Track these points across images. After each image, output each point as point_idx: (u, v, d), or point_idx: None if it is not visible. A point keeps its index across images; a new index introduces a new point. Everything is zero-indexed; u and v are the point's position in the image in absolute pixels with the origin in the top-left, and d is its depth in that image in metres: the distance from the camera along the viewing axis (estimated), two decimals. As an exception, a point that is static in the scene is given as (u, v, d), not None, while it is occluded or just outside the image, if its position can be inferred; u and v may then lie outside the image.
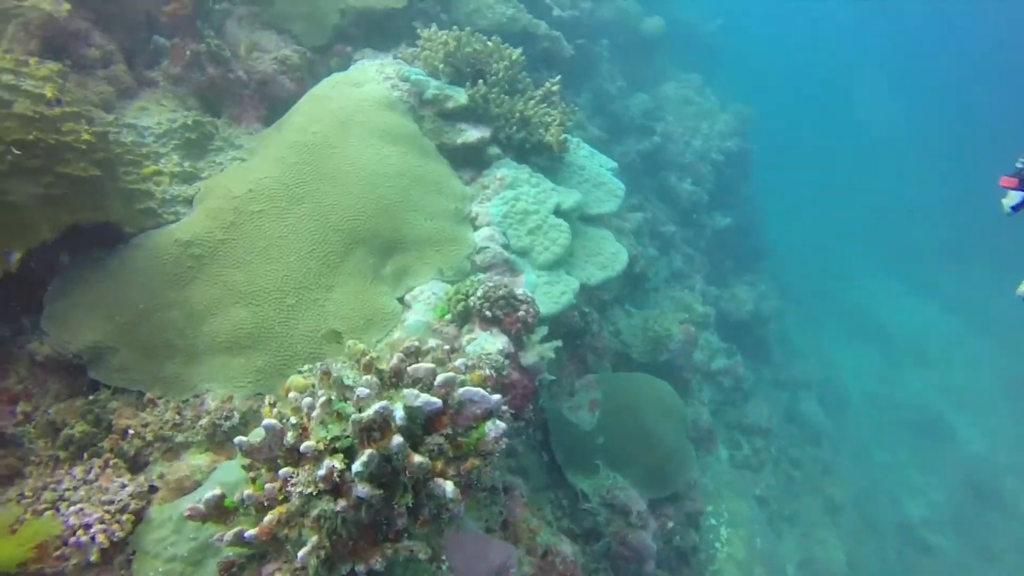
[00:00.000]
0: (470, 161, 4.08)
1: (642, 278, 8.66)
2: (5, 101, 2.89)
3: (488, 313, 3.03)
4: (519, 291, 3.15)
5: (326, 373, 2.05)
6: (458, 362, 2.24)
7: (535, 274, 3.67)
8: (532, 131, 4.13)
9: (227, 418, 2.62)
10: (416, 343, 2.20)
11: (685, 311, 9.13)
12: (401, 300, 3.44)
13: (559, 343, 3.19)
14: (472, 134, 3.97)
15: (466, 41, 4.14)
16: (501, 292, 3.04)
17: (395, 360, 2.05)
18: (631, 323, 7.43)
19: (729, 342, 9.70)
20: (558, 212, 3.96)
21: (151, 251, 3.30)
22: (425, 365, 2.04)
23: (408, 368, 2.03)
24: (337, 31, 5.27)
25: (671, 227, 10.05)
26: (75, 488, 2.56)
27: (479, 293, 3.07)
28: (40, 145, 2.92)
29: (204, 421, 2.65)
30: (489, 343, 2.98)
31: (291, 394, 2.05)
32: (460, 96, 4.01)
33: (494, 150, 4.08)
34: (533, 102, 4.20)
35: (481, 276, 3.55)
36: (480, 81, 4.07)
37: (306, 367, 2.44)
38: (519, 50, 4.38)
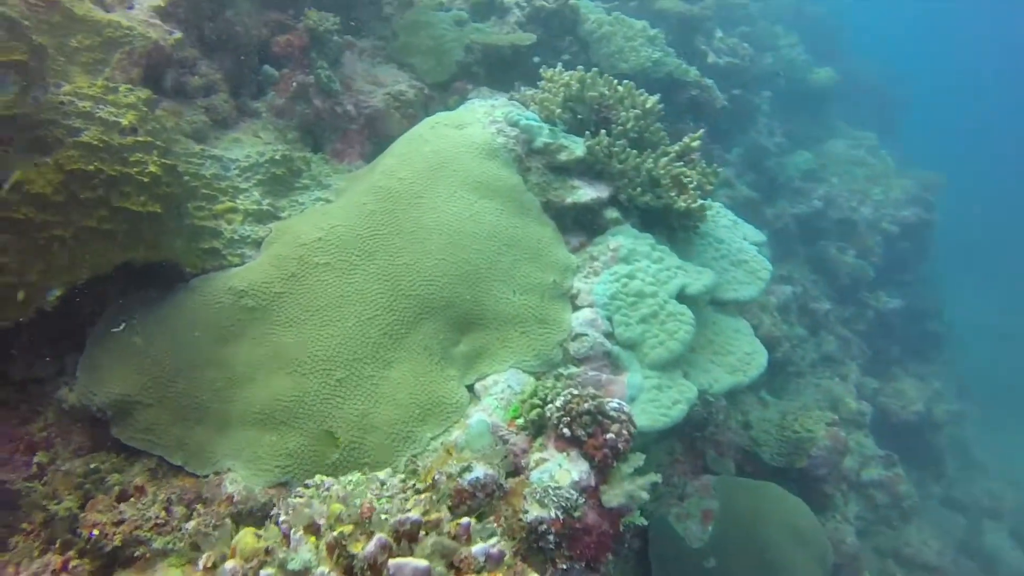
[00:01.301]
0: (582, 224, 3.41)
1: (785, 362, 7.45)
2: (75, 129, 2.67)
3: (566, 431, 2.31)
4: (612, 404, 2.39)
5: (284, 537, 1.45)
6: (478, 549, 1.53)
7: (642, 374, 2.89)
8: (661, 193, 3.39)
9: (216, 526, 2.11)
10: (413, 517, 1.53)
11: (834, 406, 7.75)
12: (471, 388, 2.81)
13: (658, 478, 2.38)
14: (586, 193, 3.30)
15: (591, 84, 3.51)
16: (587, 405, 2.31)
17: (373, 546, 1.39)
18: (765, 416, 6.29)
19: (888, 448, 8.07)
20: (682, 297, 3.17)
21: (203, 297, 2.94)
22: (414, 564, 1.37)
23: (390, 564, 1.38)
24: (461, 68, 4.89)
25: (825, 304, 8.67)
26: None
27: (558, 403, 2.37)
28: (100, 176, 2.66)
29: (191, 525, 2.15)
30: (562, 470, 2.25)
31: (229, 565, 1.47)
32: (576, 147, 3.38)
33: (612, 213, 3.38)
34: (666, 159, 3.46)
35: (572, 370, 2.84)
36: (603, 131, 3.41)
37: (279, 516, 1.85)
38: (655, 97, 3.68)
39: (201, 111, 3.57)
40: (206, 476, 2.60)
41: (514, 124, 3.37)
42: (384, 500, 1.80)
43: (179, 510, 2.22)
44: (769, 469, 5.72)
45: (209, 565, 1.59)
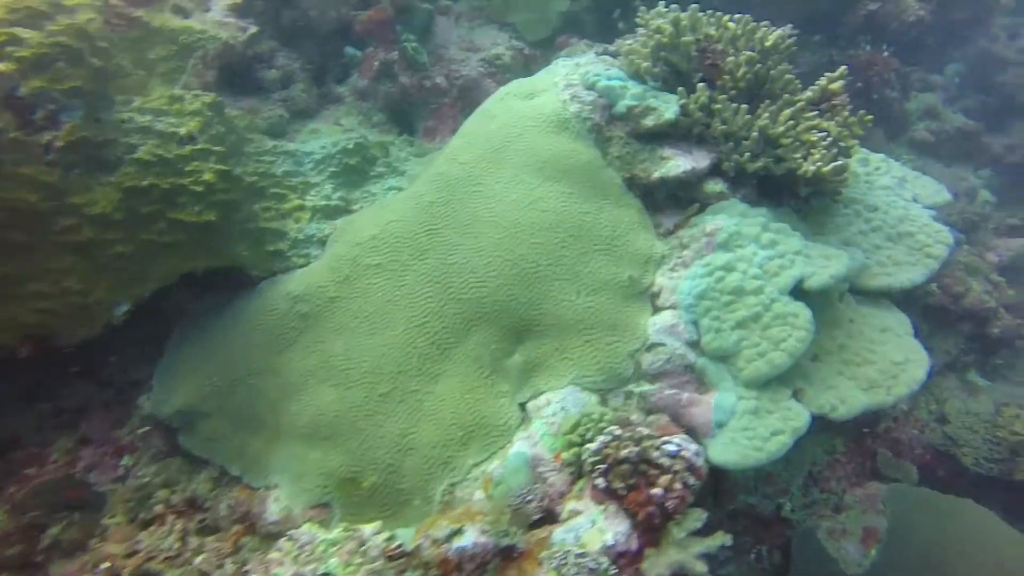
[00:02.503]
0: (680, 201, 2.80)
1: (1012, 337, 5.91)
2: (132, 145, 2.71)
3: (601, 481, 1.86)
4: (667, 448, 1.88)
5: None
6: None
7: (736, 393, 2.30)
8: (782, 156, 2.66)
9: (219, 566, 2.03)
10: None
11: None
12: (523, 406, 2.44)
13: (727, 540, 1.84)
14: (678, 164, 2.68)
15: (688, 25, 2.82)
16: (627, 452, 1.83)
17: None
18: (971, 408, 5.06)
19: None
20: (799, 291, 2.46)
21: (264, 302, 2.90)
22: None
23: None
24: (565, 19, 4.33)
25: (1083, 261, 6.70)
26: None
27: (594, 446, 1.91)
28: (154, 190, 2.69)
29: (200, 560, 2.10)
30: (593, 529, 1.82)
31: None
32: (667, 108, 2.74)
33: (715, 186, 2.72)
34: (790, 111, 2.70)
35: (646, 388, 2.33)
36: (701, 85, 2.74)
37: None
38: (780, 31, 2.87)
39: (279, 104, 3.52)
40: (258, 488, 2.59)
41: (591, 87, 2.82)
42: (351, 569, 1.55)
43: (193, 540, 2.20)
44: (970, 478, 4.59)
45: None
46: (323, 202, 3.24)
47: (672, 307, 2.45)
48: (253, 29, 3.47)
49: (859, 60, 4.93)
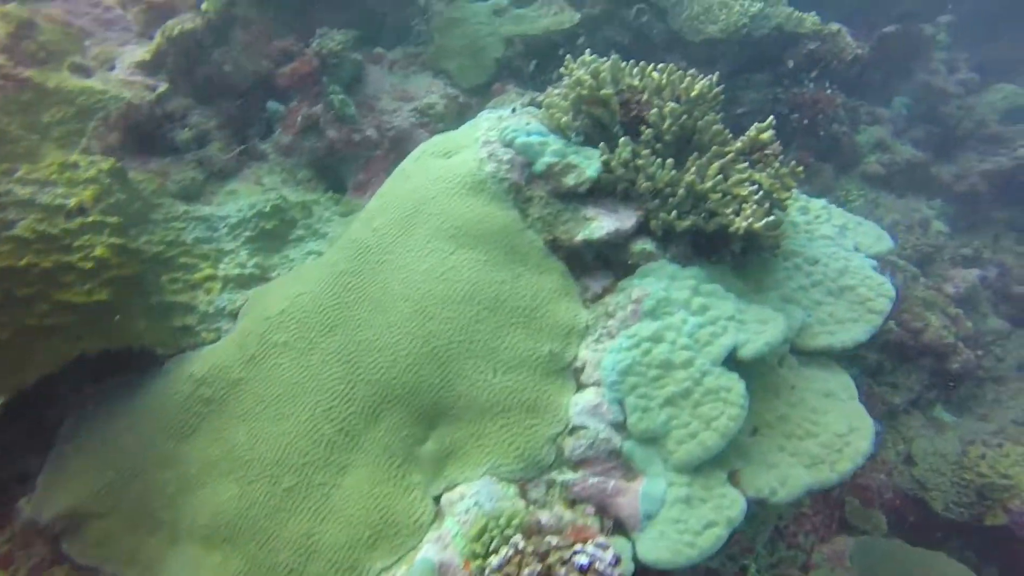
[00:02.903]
0: (608, 261, 2.64)
1: (971, 371, 5.83)
2: (8, 222, 2.49)
3: (504, 605, 1.66)
4: (577, 562, 1.68)
5: None
6: None
7: (665, 479, 2.11)
8: (714, 211, 2.52)
9: None
10: None
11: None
12: (438, 499, 2.22)
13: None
14: (601, 225, 2.52)
15: (609, 75, 2.69)
16: (528, 571, 1.62)
17: None
18: (938, 447, 4.95)
19: None
20: (732, 361, 2.30)
21: (166, 385, 2.66)
22: None
23: None
24: (501, 65, 4.22)
25: (1036, 287, 6.70)
26: None
27: (494, 561, 1.70)
28: (33, 271, 2.46)
29: None
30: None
31: None
32: (588, 165, 2.59)
33: (642, 245, 2.56)
34: (718, 164, 2.57)
35: (568, 476, 2.13)
36: (623, 139, 2.60)
37: None
38: (707, 80, 2.76)
39: (193, 165, 3.32)
40: (151, 601, 2.33)
41: (509, 144, 2.67)
42: None
43: None
44: (940, 523, 4.44)
45: None
46: (237, 270, 3.03)
47: (596, 384, 2.26)
48: (163, 87, 3.29)
49: (803, 98, 4.89)
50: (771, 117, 2.74)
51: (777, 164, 2.70)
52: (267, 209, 3.20)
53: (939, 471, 4.77)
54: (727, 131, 2.79)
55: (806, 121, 4.90)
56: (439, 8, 4.55)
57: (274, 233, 3.21)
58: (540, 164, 2.62)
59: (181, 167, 3.28)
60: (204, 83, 3.48)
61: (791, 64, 4.73)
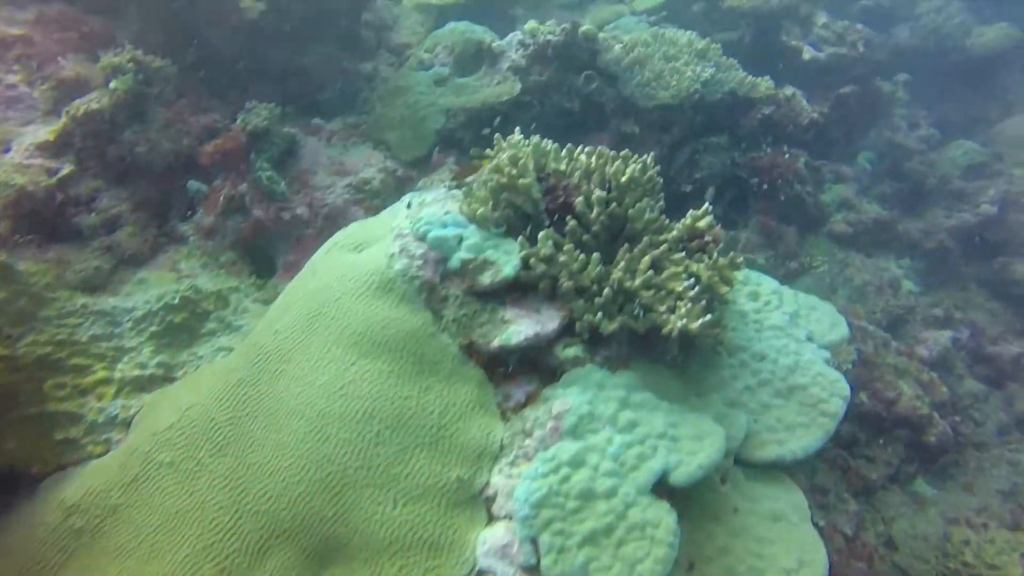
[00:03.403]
0: (535, 364, 2.39)
1: (944, 443, 5.59)
2: None
3: None
4: None
5: None
6: None
7: (586, 634, 1.82)
8: (643, 312, 2.30)
9: None
10: None
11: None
12: (329, 657, 1.92)
13: None
14: (520, 329, 2.29)
15: (531, 160, 2.50)
16: None
17: None
18: (919, 528, 4.68)
19: None
20: (663, 487, 2.05)
21: (34, 513, 2.36)
22: None
23: None
24: (441, 137, 4.05)
25: (1013, 346, 6.53)
26: None
27: None
28: None
29: None
30: None
31: None
32: (506, 262, 2.38)
33: (569, 350, 2.33)
34: (649, 257, 2.36)
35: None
36: (544, 232, 2.39)
37: None
38: (639, 163, 2.58)
39: (98, 253, 3.08)
40: None
41: (422, 238, 2.46)
42: None
43: None
44: (923, 617, 4.13)
45: None
46: (136, 372, 2.76)
47: (508, 517, 2.00)
48: (66, 170, 3.07)
49: (761, 162, 4.76)
50: (706, 204, 2.55)
51: (716, 254, 2.49)
52: (175, 301, 2.94)
53: (922, 558, 4.48)
54: (663, 218, 2.59)
55: (765, 186, 4.76)
56: (385, 75, 4.42)
57: (183, 327, 2.95)
58: (455, 260, 2.40)
59: (85, 255, 3.04)
60: (117, 163, 3.27)
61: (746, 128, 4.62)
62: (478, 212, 2.47)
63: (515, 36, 4.46)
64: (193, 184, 3.48)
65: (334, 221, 3.72)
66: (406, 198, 2.88)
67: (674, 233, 2.53)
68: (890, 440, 4.96)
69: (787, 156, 4.74)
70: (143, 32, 3.70)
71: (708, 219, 2.53)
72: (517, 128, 2.91)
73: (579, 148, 2.65)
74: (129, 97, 3.13)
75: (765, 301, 2.91)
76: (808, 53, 6.01)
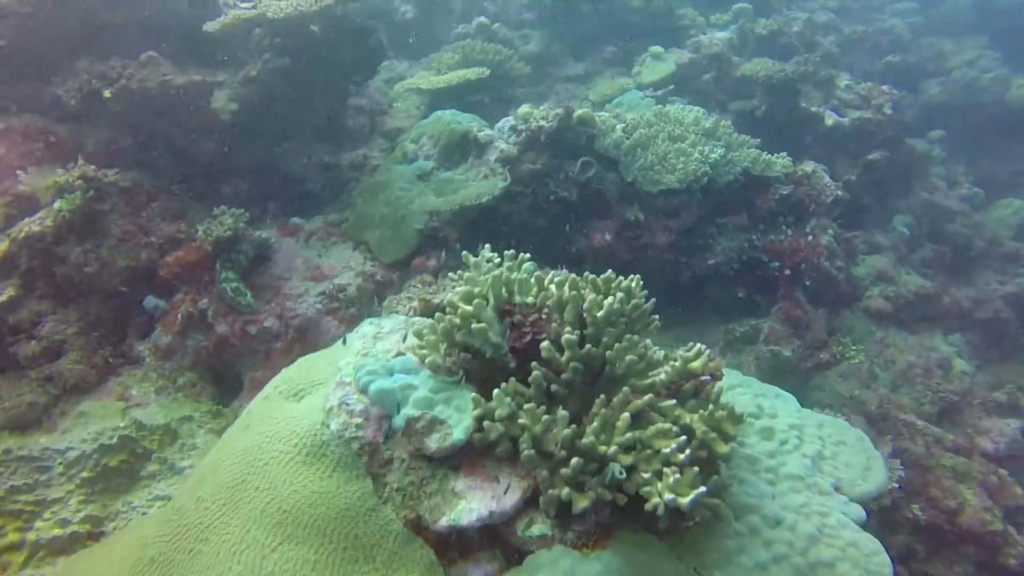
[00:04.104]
0: (497, 537, 1.99)
1: None
2: None
3: None
4: None
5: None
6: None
7: None
8: (624, 480, 1.89)
9: None
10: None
11: None
12: None
13: None
14: (472, 507, 1.89)
15: (489, 296, 2.16)
16: None
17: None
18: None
19: None
20: None
21: None
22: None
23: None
24: (424, 237, 3.76)
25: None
26: None
27: None
28: None
29: None
30: None
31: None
32: (457, 422, 2.01)
33: (533, 529, 1.93)
34: (628, 415, 1.97)
35: None
36: (505, 384, 2.02)
37: None
38: (621, 292, 2.20)
39: (33, 386, 2.82)
40: None
41: (364, 390, 2.11)
42: None
43: None
44: None
45: None
46: (56, 531, 2.44)
47: None
48: (5, 295, 2.85)
49: (781, 246, 4.34)
50: (699, 345, 2.14)
51: (712, 404, 2.08)
52: (113, 441, 2.65)
53: None
54: (651, 353, 2.20)
55: (787, 271, 4.33)
56: (377, 163, 4.19)
57: (120, 470, 2.65)
58: (400, 419, 2.04)
59: (18, 389, 2.78)
60: (66, 284, 3.05)
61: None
62: (427, 359, 2.12)
63: (508, 121, 4.20)
64: (151, 300, 3.23)
65: (305, 333, 3.43)
66: (361, 327, 2.55)
67: (662, 376, 2.12)
68: (955, 556, 4.32)
69: (810, 238, 4.31)
70: (112, 138, 3.55)
71: (703, 359, 2.12)
72: (486, 246, 2.58)
73: (549, 276, 2.29)
74: (77, 216, 2.93)
75: (781, 440, 2.46)
76: (830, 119, 5.62)
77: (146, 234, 3.27)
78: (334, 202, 4.25)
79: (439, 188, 3.71)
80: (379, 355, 2.23)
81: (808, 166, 4.42)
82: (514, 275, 2.24)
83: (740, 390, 2.83)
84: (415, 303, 2.75)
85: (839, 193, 4.36)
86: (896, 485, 3.79)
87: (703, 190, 4.23)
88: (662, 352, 2.33)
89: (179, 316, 3.13)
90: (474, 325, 2.04)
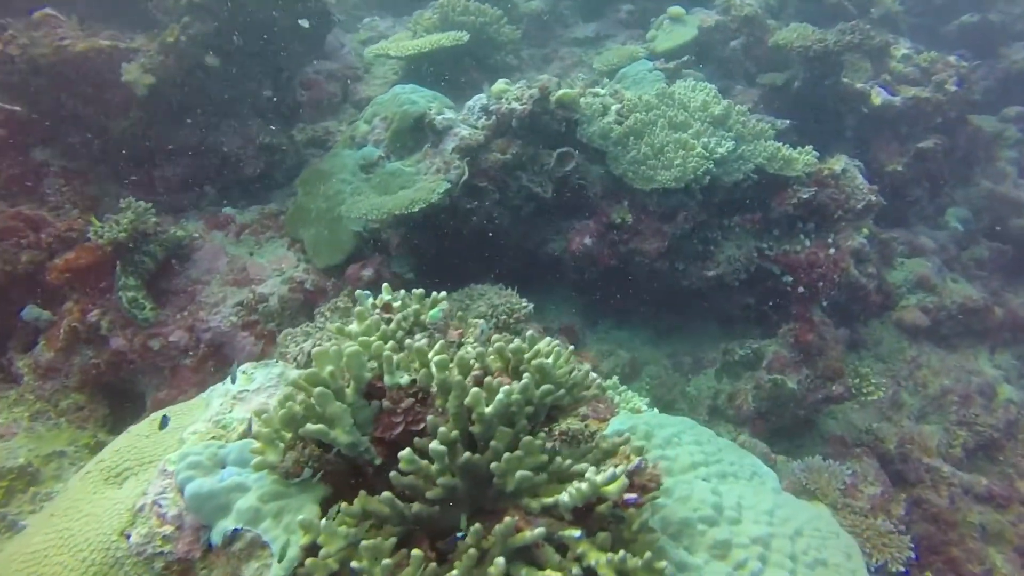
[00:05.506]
0: None
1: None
2: None
3: None
4: None
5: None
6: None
7: None
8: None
9: None
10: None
11: None
12: None
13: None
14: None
15: (349, 376, 1.65)
16: None
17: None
18: None
19: None
20: None
21: None
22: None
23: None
24: (363, 240, 3.23)
25: None
26: None
27: None
28: None
29: None
30: None
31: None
32: (282, 550, 1.53)
33: None
34: (501, 562, 1.46)
35: None
36: (340, 510, 1.54)
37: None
38: (535, 368, 1.67)
39: None
40: None
41: (181, 489, 1.65)
42: None
43: None
44: None
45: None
46: None
47: None
48: None
49: (796, 259, 3.67)
50: (613, 470, 1.59)
51: (632, 539, 1.55)
52: (-45, 488, 2.27)
53: None
54: (561, 461, 1.67)
55: (801, 289, 3.67)
56: (313, 152, 3.66)
57: (-37, 523, 2.28)
58: (216, 533, 1.58)
59: None
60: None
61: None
62: (258, 459, 1.63)
63: (479, 100, 3.57)
64: (32, 311, 2.82)
65: (218, 349, 2.99)
66: (225, 382, 2.07)
67: (566, 499, 1.59)
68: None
69: (832, 251, 3.62)
70: (10, 113, 3.10)
71: (619, 483, 1.57)
72: (385, 284, 2.05)
73: (434, 347, 1.76)
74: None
75: (737, 563, 1.91)
76: (878, 97, 4.77)
77: (33, 228, 2.83)
78: (285, 188, 3.74)
79: (383, 183, 3.15)
80: (219, 436, 1.76)
81: (838, 164, 3.68)
82: (384, 347, 1.71)
83: (702, 471, 2.28)
84: (306, 344, 2.25)
85: (872, 198, 3.62)
86: (910, 551, 3.20)
87: (705, 190, 3.56)
88: (582, 448, 1.79)
89: (63, 329, 2.71)
90: (327, 408, 1.53)
